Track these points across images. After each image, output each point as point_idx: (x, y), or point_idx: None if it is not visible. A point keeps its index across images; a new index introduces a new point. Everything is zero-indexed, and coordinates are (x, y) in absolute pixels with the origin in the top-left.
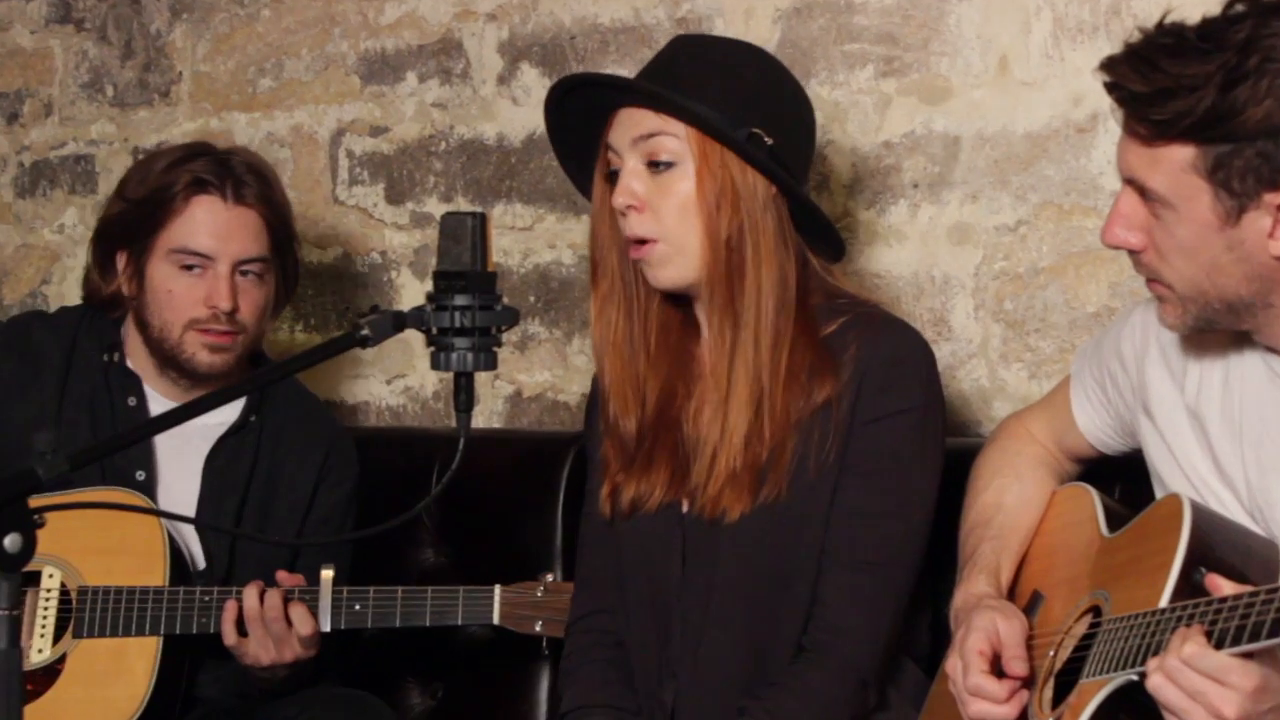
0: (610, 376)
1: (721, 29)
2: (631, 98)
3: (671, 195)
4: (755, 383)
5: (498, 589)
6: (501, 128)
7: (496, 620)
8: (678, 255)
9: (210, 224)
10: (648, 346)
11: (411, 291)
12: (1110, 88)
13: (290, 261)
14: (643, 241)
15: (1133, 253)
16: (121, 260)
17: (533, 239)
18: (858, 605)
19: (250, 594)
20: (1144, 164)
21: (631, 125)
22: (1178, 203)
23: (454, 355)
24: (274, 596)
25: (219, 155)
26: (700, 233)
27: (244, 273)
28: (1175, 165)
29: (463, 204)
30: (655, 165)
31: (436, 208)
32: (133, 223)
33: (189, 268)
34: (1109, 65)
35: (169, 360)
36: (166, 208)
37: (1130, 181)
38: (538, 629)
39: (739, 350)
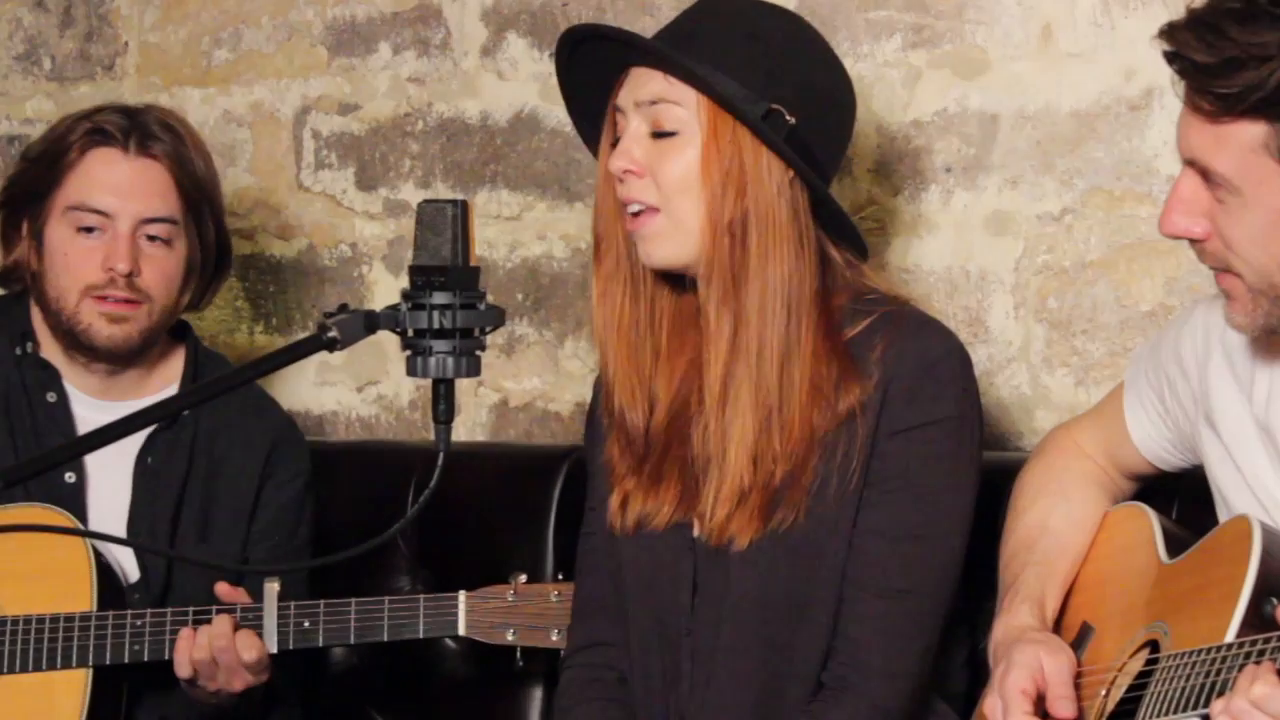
0: (615, 364)
1: None
2: (641, 57)
3: (673, 163)
4: (760, 391)
5: (462, 595)
6: (485, 105)
7: (463, 630)
8: (675, 232)
9: (108, 178)
10: (656, 338)
11: (385, 288)
12: (1170, 57)
13: (211, 234)
14: (639, 212)
15: (1194, 242)
16: (25, 226)
17: (520, 230)
18: (884, 637)
19: (201, 633)
20: (1208, 144)
21: (638, 87)
22: (1246, 187)
23: (432, 360)
24: (222, 623)
25: (131, 109)
26: (702, 212)
27: (150, 237)
28: (1244, 145)
29: (442, 190)
30: (659, 135)
31: (413, 195)
32: (31, 182)
33: (88, 230)
34: (1169, 32)
35: (69, 336)
36: (62, 161)
37: (1191, 163)
38: (510, 638)
39: (741, 353)
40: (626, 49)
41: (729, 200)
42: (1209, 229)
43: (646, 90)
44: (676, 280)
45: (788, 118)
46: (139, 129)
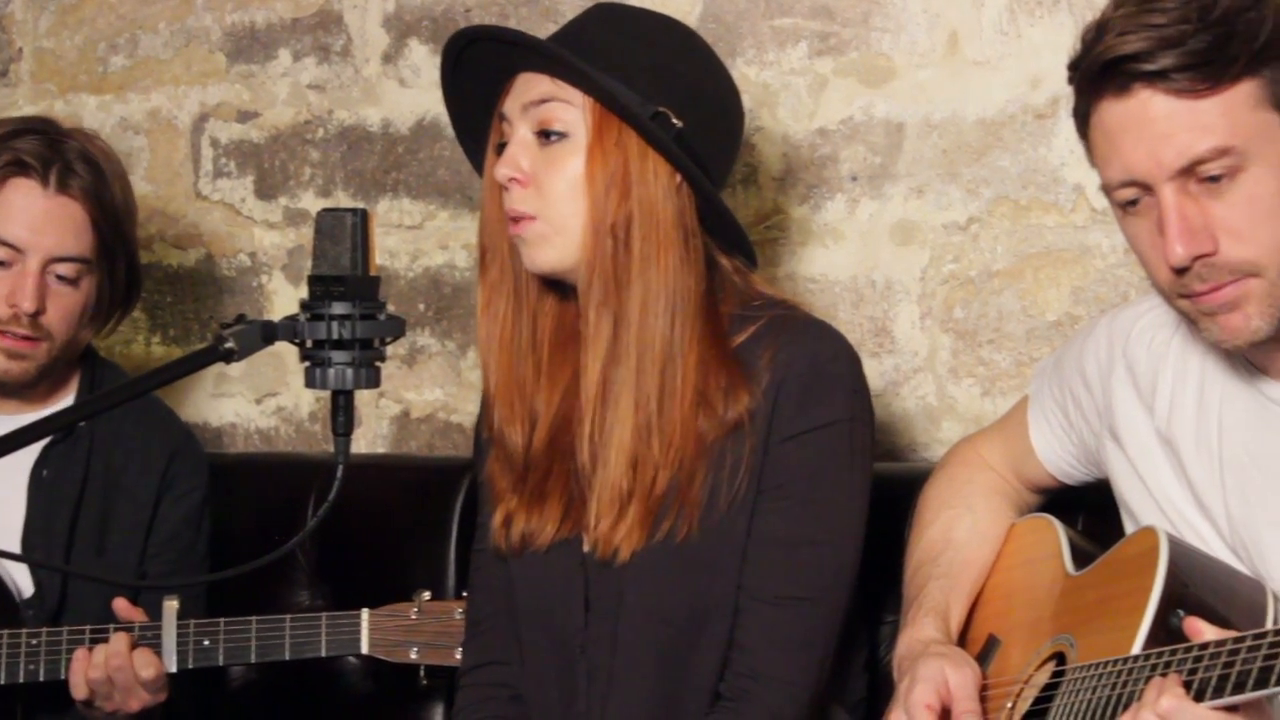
0: (496, 378)
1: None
2: (528, 60)
3: (559, 171)
4: (639, 394)
5: (365, 613)
6: (387, 113)
7: (365, 649)
8: (557, 236)
9: (25, 211)
10: (537, 352)
11: (284, 298)
12: (1144, 57)
13: (121, 269)
14: (520, 217)
15: (1200, 259)
16: None
17: (422, 239)
18: (781, 646)
19: (97, 651)
20: (1206, 124)
21: (526, 90)
22: (1256, 149)
23: (331, 371)
24: (119, 641)
25: (53, 135)
26: (585, 215)
27: (59, 276)
28: (1241, 105)
29: (342, 199)
30: (546, 135)
31: (313, 203)
32: None
33: None
34: (1129, 34)
35: None
36: None
37: (1181, 173)
38: (413, 656)
39: (620, 356)
40: (512, 51)
41: (611, 203)
42: (1213, 240)
43: (534, 91)
44: (561, 292)
45: (675, 121)
46: (60, 161)
